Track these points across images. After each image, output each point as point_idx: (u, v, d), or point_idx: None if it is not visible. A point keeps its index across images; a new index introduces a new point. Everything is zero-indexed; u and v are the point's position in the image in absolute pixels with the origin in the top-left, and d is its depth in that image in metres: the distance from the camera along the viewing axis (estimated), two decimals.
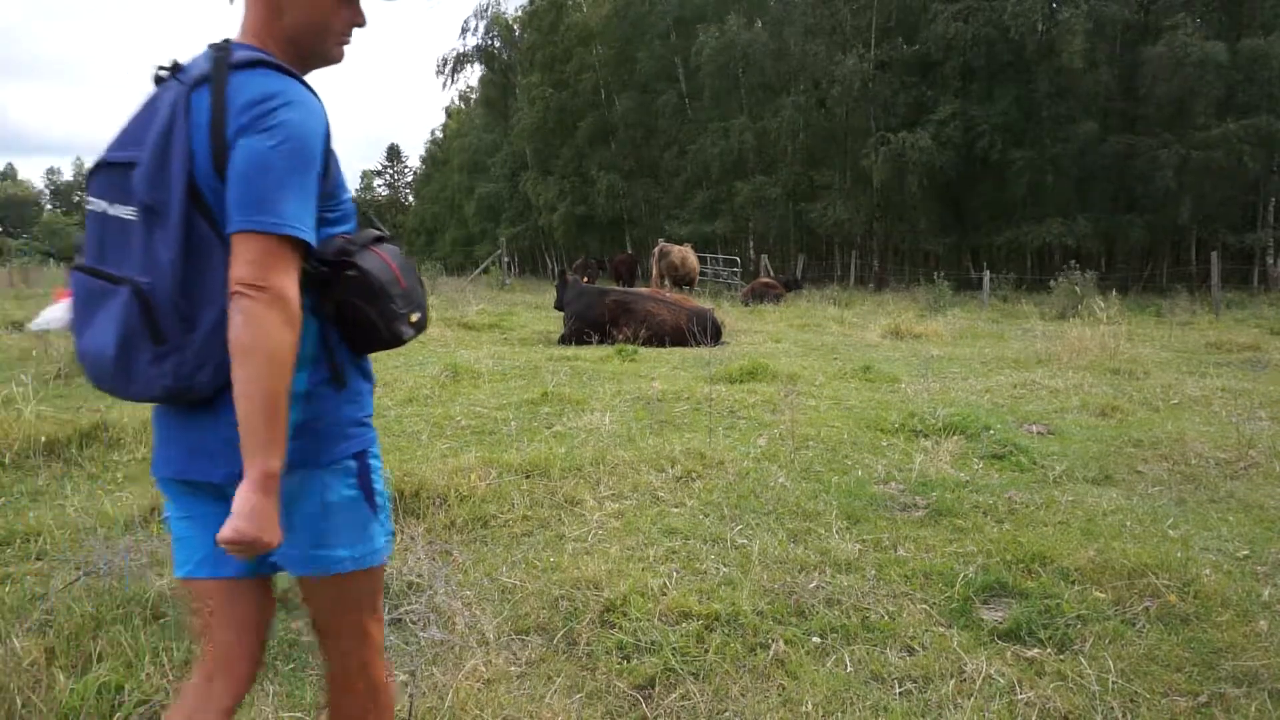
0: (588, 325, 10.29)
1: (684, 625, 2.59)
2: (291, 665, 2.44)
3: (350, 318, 1.41)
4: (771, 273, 22.97)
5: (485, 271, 26.50)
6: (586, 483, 4.01)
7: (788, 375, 7.21)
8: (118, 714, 2.12)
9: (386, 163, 73.44)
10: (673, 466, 4.25)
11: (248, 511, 1.22)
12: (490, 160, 41.96)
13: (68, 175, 76.60)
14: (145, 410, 5.10)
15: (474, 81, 43.53)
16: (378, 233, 1.49)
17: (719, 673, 2.35)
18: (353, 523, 1.45)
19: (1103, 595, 2.78)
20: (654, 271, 18.79)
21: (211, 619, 1.47)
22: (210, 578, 1.45)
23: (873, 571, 3.02)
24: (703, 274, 22.40)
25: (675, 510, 3.69)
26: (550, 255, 41.65)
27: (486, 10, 38.33)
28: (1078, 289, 14.14)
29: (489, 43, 38.90)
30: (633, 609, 2.66)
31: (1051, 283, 16.39)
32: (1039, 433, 5.23)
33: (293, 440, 1.32)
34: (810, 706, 2.20)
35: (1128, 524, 3.49)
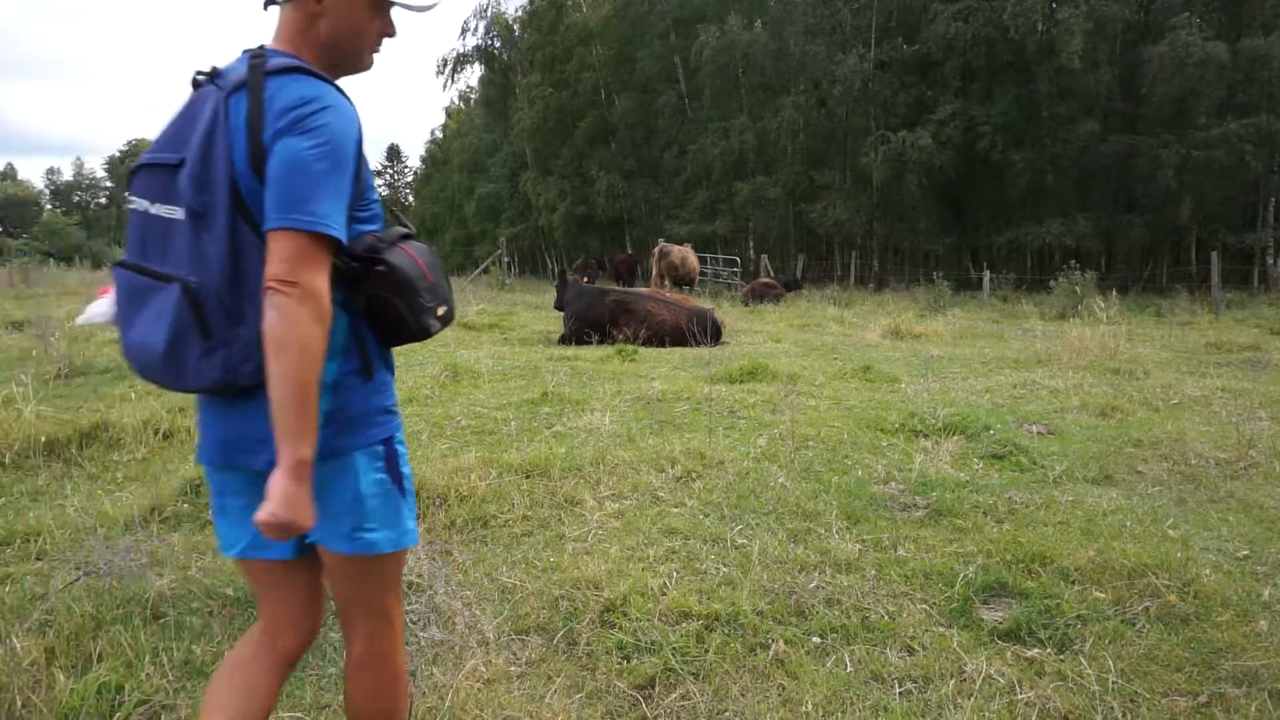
0: (588, 325, 10.29)
1: (684, 625, 2.59)
2: None
3: (380, 311, 1.48)
4: (771, 273, 22.97)
5: (485, 271, 26.50)
6: (586, 483, 4.01)
7: (788, 375, 7.21)
8: (118, 714, 2.12)
9: (386, 163, 73.48)
10: (673, 466, 4.25)
11: (281, 497, 1.30)
12: (490, 160, 41.96)
13: (68, 175, 76.70)
14: (145, 411, 5.13)
15: (474, 82, 43.58)
16: (405, 230, 1.56)
17: (719, 673, 2.35)
18: (384, 506, 1.51)
19: (1103, 595, 2.78)
20: (654, 271, 18.79)
21: (261, 592, 1.61)
22: (256, 559, 1.55)
23: (873, 571, 3.02)
24: (703, 274, 22.40)
25: (675, 510, 3.69)
26: (550, 255, 41.65)
27: (486, 10, 38.36)
28: (1078, 289, 14.14)
29: (489, 43, 38.90)
30: (633, 609, 2.66)
31: (1051, 283, 16.39)
32: (1039, 433, 5.23)
33: (323, 428, 1.40)
34: (810, 706, 2.20)
35: (1128, 524, 3.49)
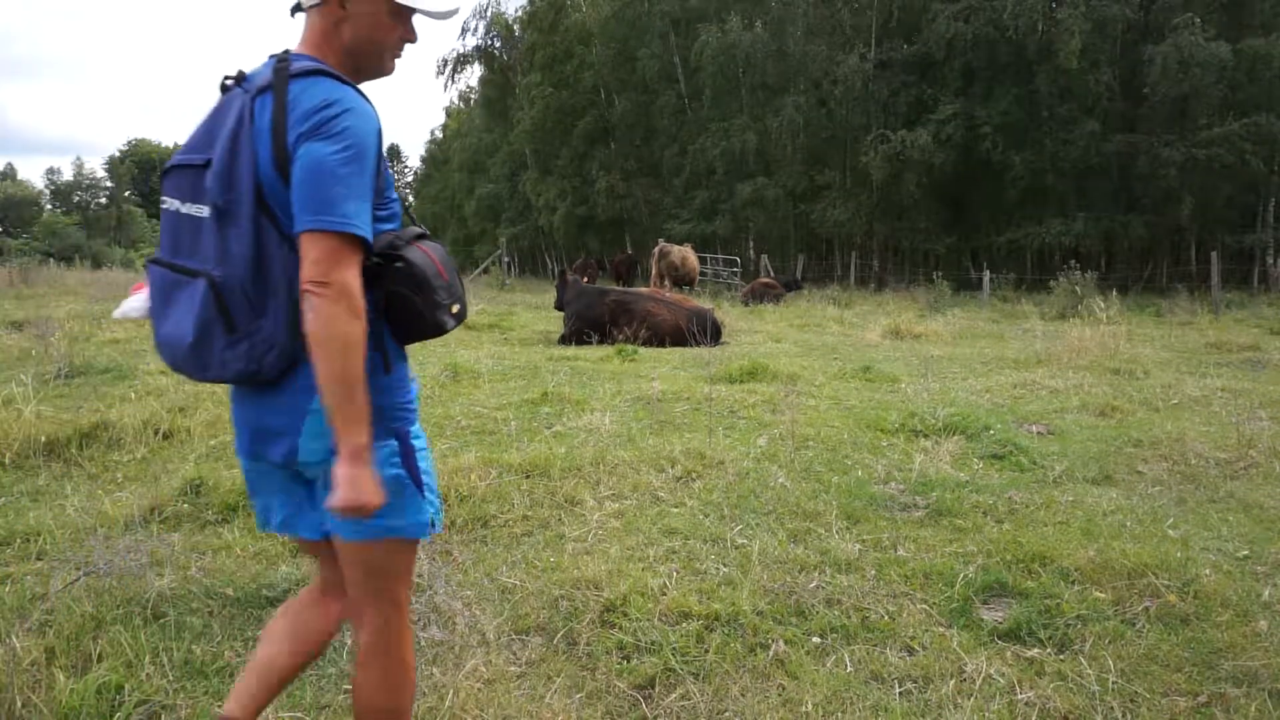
0: (588, 325, 10.29)
1: (684, 625, 2.59)
2: None
3: (397, 307, 1.53)
4: (771, 273, 22.96)
5: (485, 271, 26.49)
6: (586, 483, 4.01)
7: (788, 375, 7.21)
8: (118, 714, 2.12)
9: (387, 163, 73.39)
10: (673, 466, 4.25)
11: (345, 482, 1.40)
12: (490, 160, 41.92)
13: (68, 175, 76.64)
14: (145, 411, 5.13)
15: (474, 82, 43.47)
16: (420, 230, 1.62)
17: (719, 673, 2.35)
18: (398, 498, 1.55)
19: (1103, 595, 2.78)
20: (654, 271, 18.78)
21: (312, 558, 1.77)
22: (294, 536, 1.68)
23: (873, 571, 3.02)
24: (703, 274, 22.39)
25: (675, 510, 3.69)
26: (550, 255, 41.63)
27: (486, 10, 38.32)
28: (1078, 289, 14.13)
29: (489, 43, 38.85)
30: (633, 609, 2.66)
31: (1051, 283, 16.37)
32: (1039, 433, 5.23)
33: None
34: (810, 706, 2.20)
35: (1128, 524, 3.49)
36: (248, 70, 1.54)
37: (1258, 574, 2.98)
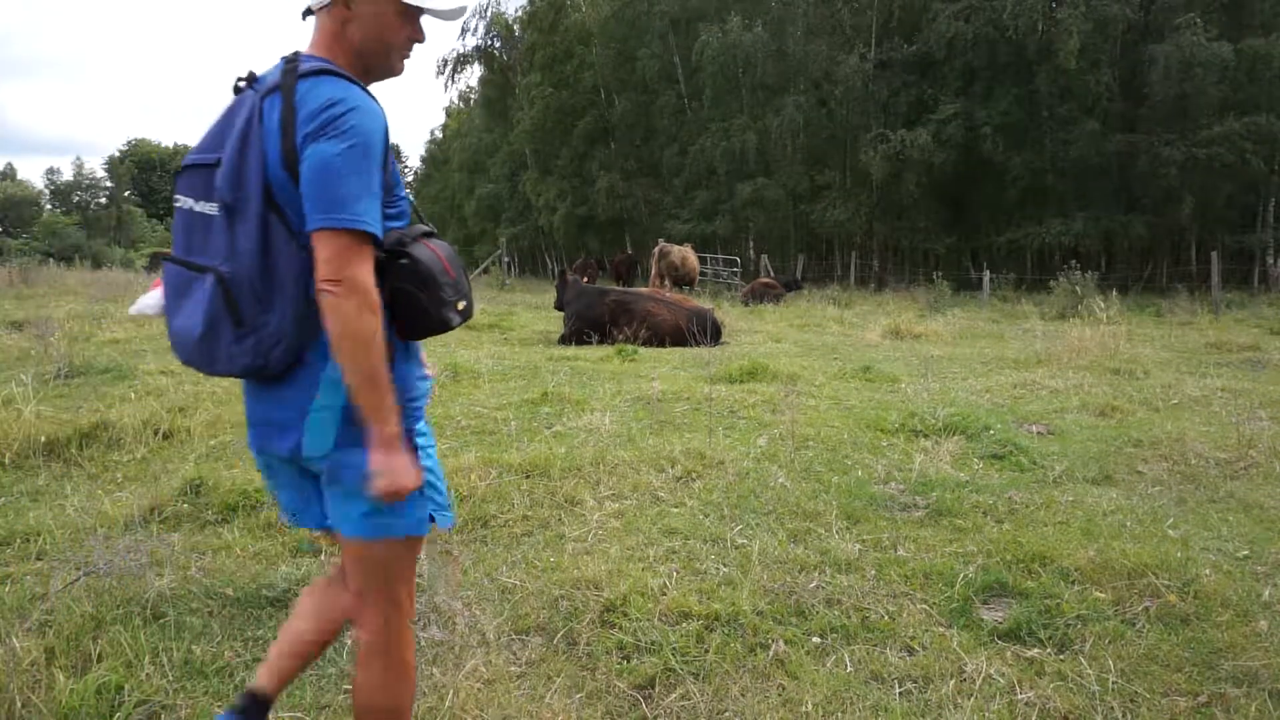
0: (588, 325, 10.28)
1: (684, 625, 2.59)
2: None
3: (403, 304, 1.55)
4: (771, 273, 22.96)
5: (485, 271, 26.49)
6: (586, 483, 4.01)
7: (788, 375, 7.21)
8: (117, 714, 2.12)
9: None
10: (673, 466, 4.25)
11: (380, 470, 1.47)
12: (490, 160, 41.91)
13: (67, 175, 76.50)
14: (145, 411, 5.13)
15: (474, 82, 43.44)
16: (427, 229, 1.65)
17: (719, 673, 2.35)
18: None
19: (1103, 595, 2.78)
20: (653, 271, 18.78)
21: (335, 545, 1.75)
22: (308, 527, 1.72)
23: (873, 571, 3.02)
24: (703, 274, 22.39)
25: (675, 510, 3.69)
26: (550, 255, 41.63)
27: (486, 10, 38.31)
28: (1078, 289, 14.12)
29: (489, 43, 38.84)
30: (633, 609, 2.66)
31: (1051, 283, 16.36)
32: (1039, 433, 5.23)
33: (340, 418, 1.51)
34: (810, 706, 2.20)
35: (1128, 524, 3.49)
36: (260, 72, 1.57)
37: (1258, 574, 2.98)
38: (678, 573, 2.98)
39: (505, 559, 3.16)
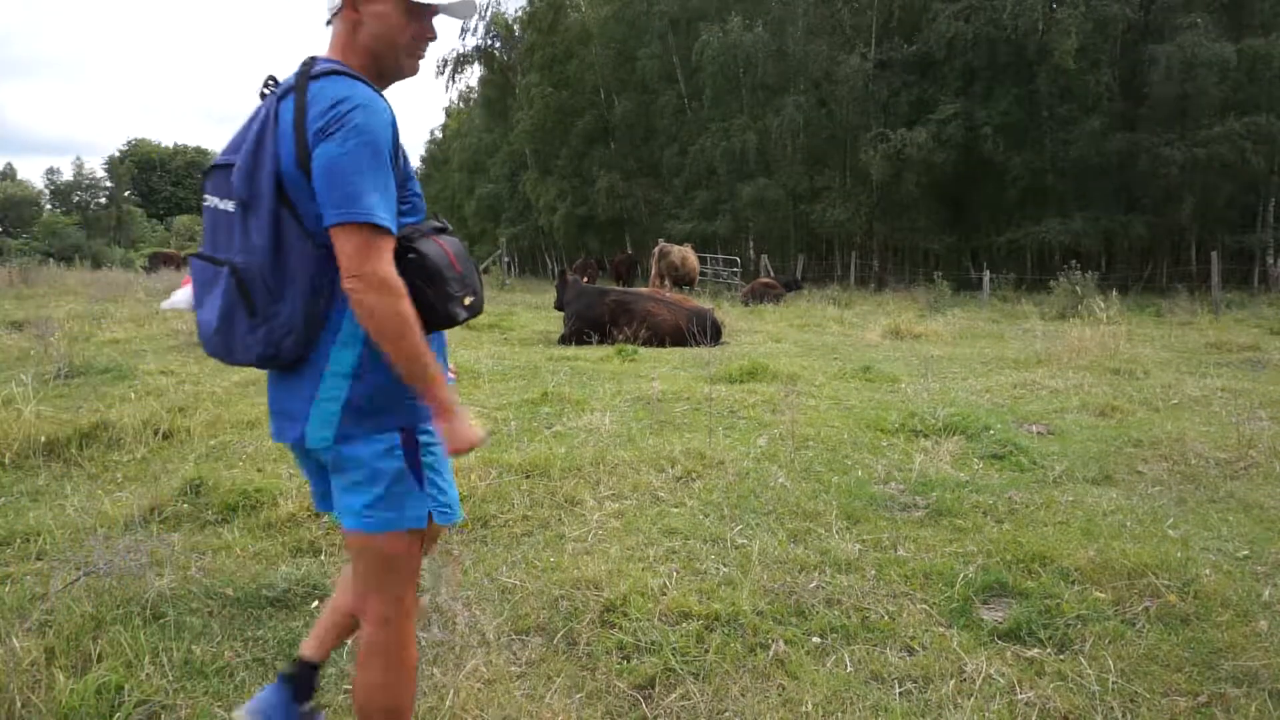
0: (588, 325, 10.28)
1: (684, 625, 2.59)
2: None
3: (410, 298, 1.55)
4: (771, 273, 22.96)
5: (485, 271, 26.49)
6: (586, 483, 4.01)
7: (788, 375, 7.21)
8: (117, 714, 2.12)
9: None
10: (673, 466, 4.25)
11: (445, 435, 1.59)
12: (490, 160, 41.90)
13: (67, 175, 76.39)
14: (145, 411, 5.14)
15: (474, 82, 43.42)
16: (438, 224, 1.69)
17: (719, 673, 2.35)
18: (395, 491, 1.60)
19: (1103, 595, 2.78)
20: (653, 271, 18.78)
21: None
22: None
23: (873, 571, 3.02)
24: (703, 274, 22.39)
25: (675, 510, 3.69)
26: (550, 255, 41.63)
27: (486, 10, 38.29)
28: (1078, 289, 14.11)
29: (489, 43, 38.84)
30: (633, 609, 2.66)
31: (1051, 283, 16.36)
32: (1039, 433, 5.23)
33: (342, 413, 1.56)
34: (810, 706, 2.20)
35: (1128, 524, 3.49)
36: (281, 77, 1.64)
37: (1258, 574, 2.98)
38: (678, 573, 2.98)
39: (505, 559, 3.16)
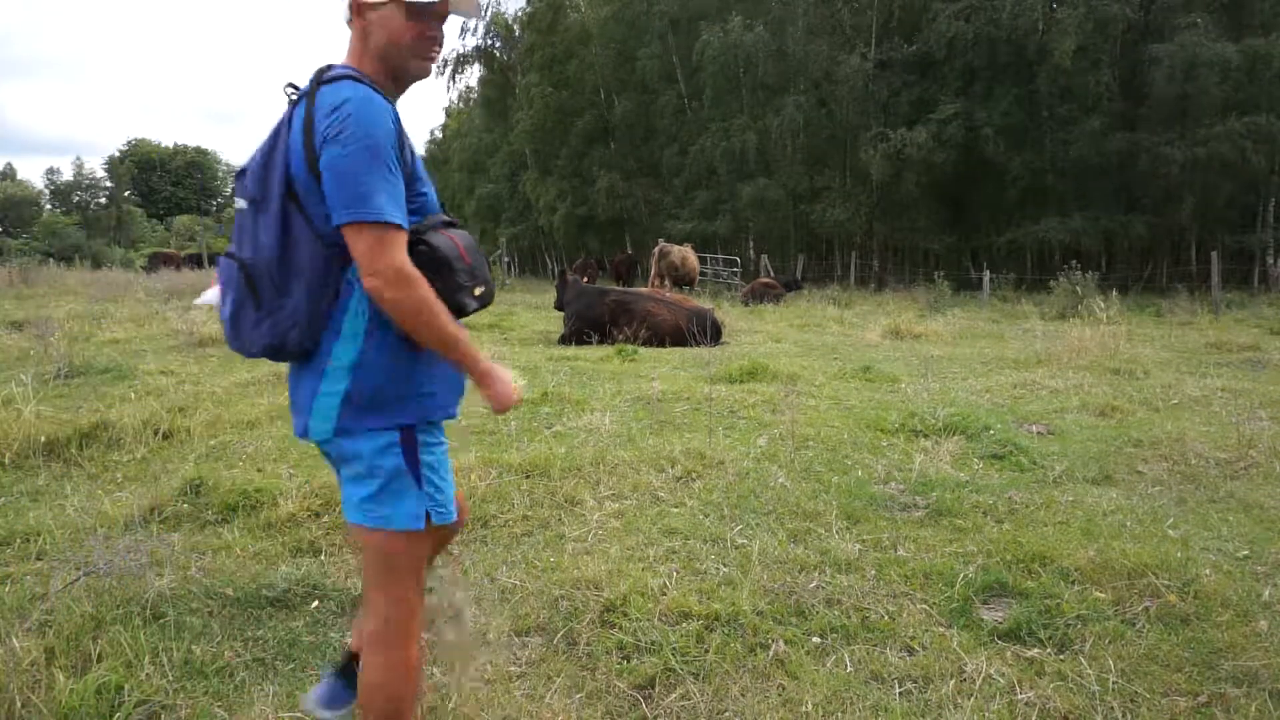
0: (588, 325, 10.28)
1: (684, 625, 2.59)
2: (291, 665, 2.44)
3: None
4: (771, 273, 22.96)
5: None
6: (586, 483, 4.01)
7: (788, 375, 7.21)
8: (117, 714, 2.12)
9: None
10: (673, 466, 4.25)
11: (488, 399, 1.69)
12: (490, 160, 41.89)
13: (67, 175, 76.37)
14: (145, 411, 5.14)
15: (474, 82, 43.42)
16: (446, 218, 1.74)
17: (719, 673, 2.35)
18: (391, 487, 1.63)
19: (1103, 595, 2.78)
20: (653, 271, 18.78)
21: None
22: None
23: (873, 571, 3.02)
24: (703, 274, 22.39)
25: (675, 510, 3.69)
26: (550, 255, 41.63)
27: (486, 10, 38.28)
28: (1078, 289, 14.11)
29: (489, 43, 38.85)
30: (633, 609, 2.66)
31: (1051, 283, 16.36)
32: (1039, 433, 5.23)
33: (342, 406, 1.60)
34: (810, 706, 2.20)
35: (1128, 524, 3.49)
36: (302, 84, 1.68)
37: (1258, 574, 2.98)
38: (678, 573, 2.98)
39: (505, 559, 3.16)
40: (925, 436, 4.98)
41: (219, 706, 2.19)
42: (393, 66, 1.66)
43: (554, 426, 5.22)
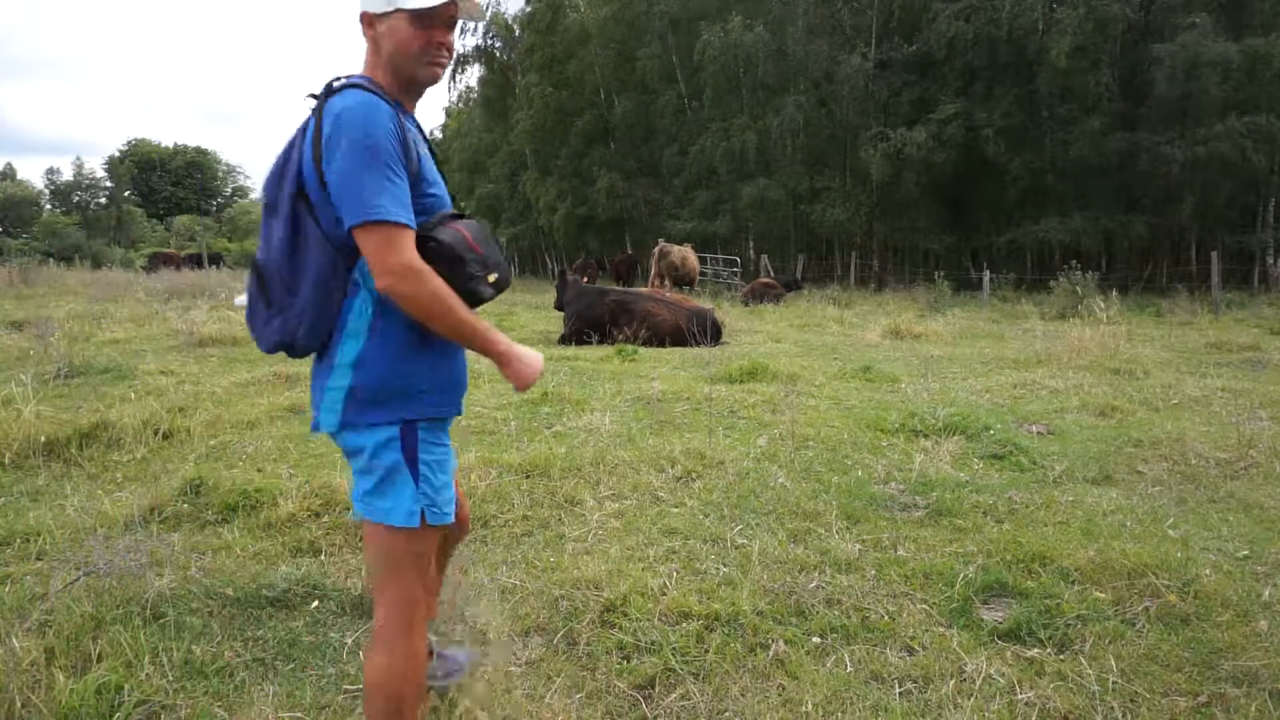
0: (588, 325, 10.29)
1: (684, 625, 2.59)
2: (292, 665, 2.44)
3: None
4: (771, 273, 22.97)
5: None
6: (586, 483, 4.01)
7: (788, 375, 7.21)
8: (117, 714, 2.12)
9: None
10: (673, 466, 4.25)
11: (509, 378, 1.77)
12: (490, 160, 41.89)
13: (67, 175, 76.28)
14: (145, 411, 5.14)
15: (474, 82, 43.43)
16: (454, 212, 1.77)
17: (719, 673, 2.35)
18: (389, 483, 1.67)
19: (1103, 595, 2.78)
20: (653, 271, 18.78)
21: None
22: None
23: (873, 571, 3.02)
24: (703, 274, 22.39)
25: (675, 510, 3.69)
26: (550, 255, 41.64)
27: (486, 10, 38.25)
28: (1078, 289, 14.10)
29: (488, 43, 38.85)
30: (633, 609, 2.66)
31: (1051, 283, 16.35)
32: (1039, 433, 5.23)
33: (345, 401, 1.65)
34: (810, 706, 2.20)
35: (1128, 524, 3.49)
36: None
37: (1258, 574, 2.98)
38: (678, 573, 2.98)
39: (505, 559, 3.16)
40: (925, 436, 4.98)
41: (219, 706, 2.19)
42: (403, 74, 1.70)
43: (554, 426, 5.22)
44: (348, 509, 3.56)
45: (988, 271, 20.23)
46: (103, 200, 74.00)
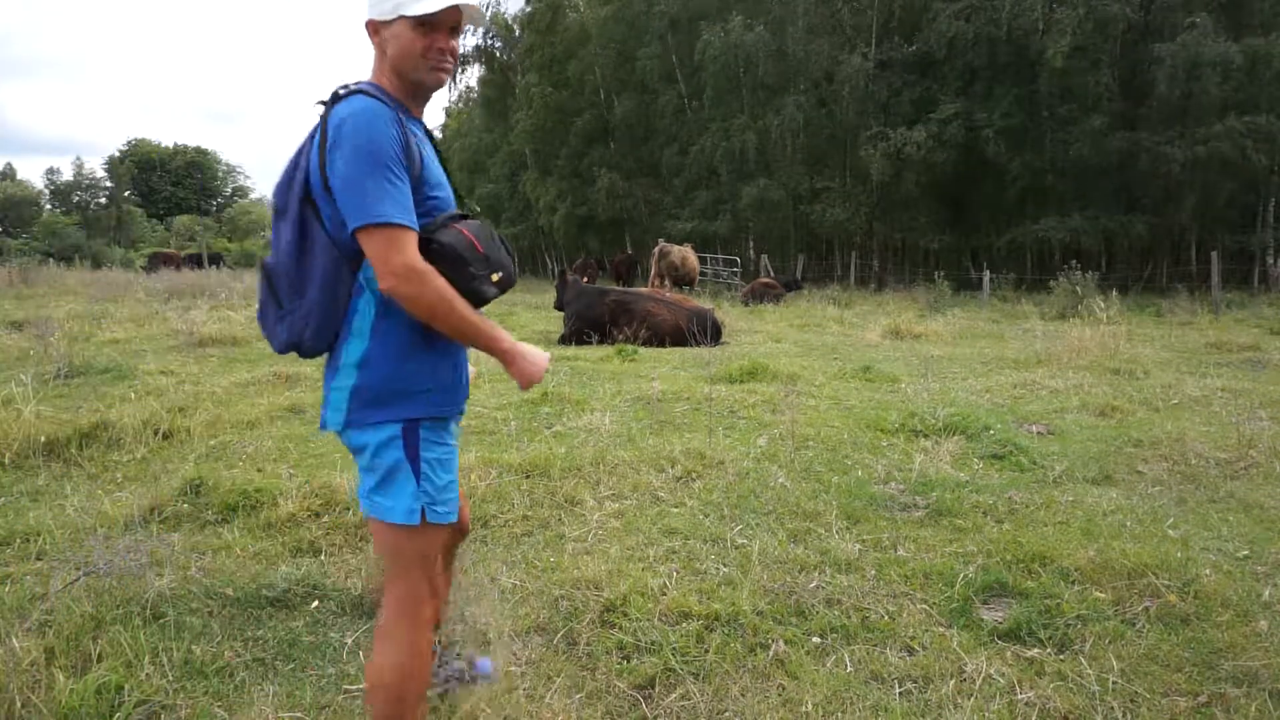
0: (588, 325, 10.29)
1: (684, 625, 2.59)
2: (292, 665, 2.44)
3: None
4: (771, 273, 22.96)
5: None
6: (586, 483, 4.01)
7: (788, 375, 7.21)
8: (117, 714, 2.12)
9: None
10: (673, 466, 4.25)
11: (514, 376, 1.80)
12: (490, 160, 41.89)
13: (67, 175, 76.21)
14: (145, 411, 5.14)
15: (474, 82, 43.43)
16: (457, 213, 1.78)
17: (719, 673, 2.35)
18: (392, 481, 1.69)
19: (1103, 595, 2.78)
20: (653, 271, 18.77)
21: None
22: None
23: (873, 571, 3.02)
24: (703, 274, 22.39)
25: (675, 510, 3.69)
26: (550, 255, 41.63)
27: (486, 10, 38.27)
28: (1078, 289, 14.10)
29: (488, 43, 38.85)
30: (633, 609, 2.66)
31: (1051, 283, 16.35)
32: (1039, 433, 5.23)
33: (350, 400, 1.68)
34: (810, 706, 2.20)
35: (1128, 524, 3.49)
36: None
37: (1258, 574, 2.98)
38: (678, 573, 2.98)
39: (505, 559, 3.16)
40: (925, 436, 4.98)
41: (219, 706, 2.19)
42: (407, 79, 1.72)
43: (554, 426, 5.22)
44: (348, 509, 3.56)
45: (988, 271, 20.23)
46: (103, 200, 73.96)
